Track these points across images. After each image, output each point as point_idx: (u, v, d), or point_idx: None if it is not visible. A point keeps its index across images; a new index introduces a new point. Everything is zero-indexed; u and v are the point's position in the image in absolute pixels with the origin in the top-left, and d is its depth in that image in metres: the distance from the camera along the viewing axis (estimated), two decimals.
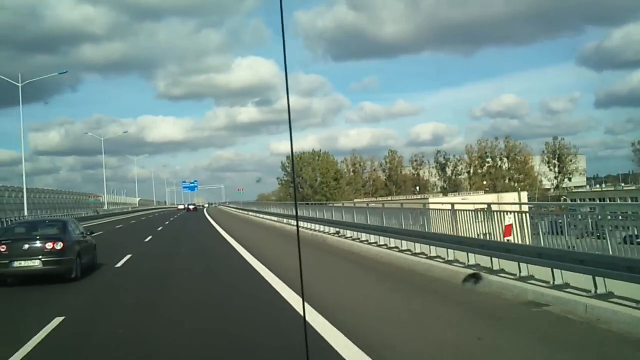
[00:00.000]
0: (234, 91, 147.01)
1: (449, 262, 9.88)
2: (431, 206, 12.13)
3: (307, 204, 29.23)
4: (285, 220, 26.43)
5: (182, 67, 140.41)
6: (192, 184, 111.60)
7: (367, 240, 14.47)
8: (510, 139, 79.44)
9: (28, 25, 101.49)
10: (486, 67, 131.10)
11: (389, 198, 64.52)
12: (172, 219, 43.42)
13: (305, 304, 2.80)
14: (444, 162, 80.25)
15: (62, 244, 9.92)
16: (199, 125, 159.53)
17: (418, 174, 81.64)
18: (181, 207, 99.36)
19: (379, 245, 13.34)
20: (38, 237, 10.11)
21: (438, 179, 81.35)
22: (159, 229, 28.70)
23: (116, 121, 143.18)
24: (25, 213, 33.62)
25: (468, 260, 9.26)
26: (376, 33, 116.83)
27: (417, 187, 78.11)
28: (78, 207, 51.80)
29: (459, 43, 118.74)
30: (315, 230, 19.36)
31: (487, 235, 9.51)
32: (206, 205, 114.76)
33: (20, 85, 35.02)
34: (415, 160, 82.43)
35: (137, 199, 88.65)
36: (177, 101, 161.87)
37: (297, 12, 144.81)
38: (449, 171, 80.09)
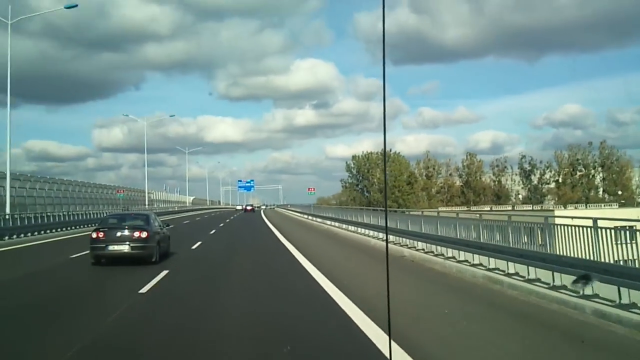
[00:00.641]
0: (293, 93, 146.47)
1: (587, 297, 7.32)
2: (557, 220, 9.49)
3: (395, 211, 25.54)
4: (360, 231, 22.28)
5: (242, 68, 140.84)
6: (248, 184, 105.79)
7: (453, 258, 12.31)
8: (607, 145, 71.54)
9: (96, 24, 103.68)
10: (550, 75, 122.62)
11: (472, 208, 59.97)
12: (221, 224, 34.51)
13: None
14: (529, 168, 73.81)
15: (146, 233, 12.39)
16: (257, 127, 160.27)
17: (499, 182, 75.59)
18: (239, 207, 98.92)
19: (474, 266, 11.12)
20: (127, 227, 12.51)
21: (522, 188, 74.97)
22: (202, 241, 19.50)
23: (176, 120, 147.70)
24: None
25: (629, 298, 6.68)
26: (438, 37, 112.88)
27: (499, 196, 72.43)
28: (131, 204, 50.92)
29: (523, 49, 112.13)
30: (400, 245, 16.24)
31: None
32: (263, 206, 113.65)
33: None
34: (497, 166, 76.18)
35: (191, 198, 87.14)
36: (237, 102, 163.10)
37: (357, 14, 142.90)
38: (535, 179, 73.48)
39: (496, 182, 75.57)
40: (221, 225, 33.03)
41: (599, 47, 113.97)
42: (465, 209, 56.43)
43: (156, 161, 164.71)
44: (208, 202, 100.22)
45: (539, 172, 73.38)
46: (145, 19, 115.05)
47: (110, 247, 12.20)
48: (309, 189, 35.68)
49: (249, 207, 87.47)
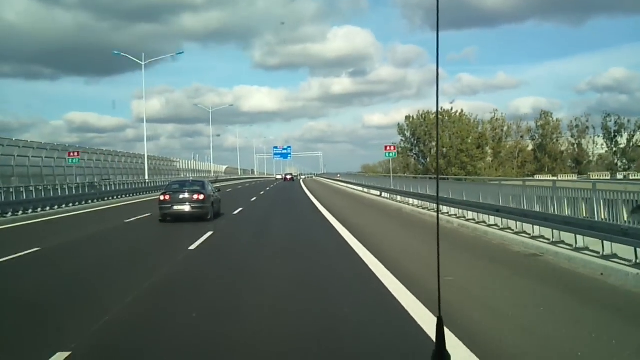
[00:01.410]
0: (329, 61, 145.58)
1: None
2: None
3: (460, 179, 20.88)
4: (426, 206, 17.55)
5: (278, 36, 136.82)
6: (285, 151, 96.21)
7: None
8: None
9: None
10: (595, 38, 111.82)
11: (549, 176, 51.52)
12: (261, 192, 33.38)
13: None
14: (615, 129, 63.56)
15: (203, 196, 15.58)
16: (293, 96, 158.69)
17: (579, 145, 65.70)
18: (279, 177, 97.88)
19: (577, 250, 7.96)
20: (187, 191, 15.76)
21: (606, 151, 65.03)
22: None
23: (214, 91, 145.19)
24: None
25: None
26: (478, 1, 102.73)
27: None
28: (157, 173, 47.55)
29: (567, 11, 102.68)
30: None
31: None
32: (302, 176, 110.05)
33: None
34: (577, 126, 66.10)
35: (224, 167, 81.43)
36: (273, 71, 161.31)
37: None
38: (622, 141, 63.22)
39: (575, 146, 65.69)
40: (262, 193, 31.87)
41: None
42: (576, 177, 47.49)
43: (194, 131, 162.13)
44: (240, 171, 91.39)
45: (626, 133, 63.30)
46: None
47: (175, 207, 15.37)
48: (386, 147, 25.64)
49: (288, 177, 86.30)
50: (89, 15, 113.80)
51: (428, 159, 64.74)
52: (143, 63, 39.91)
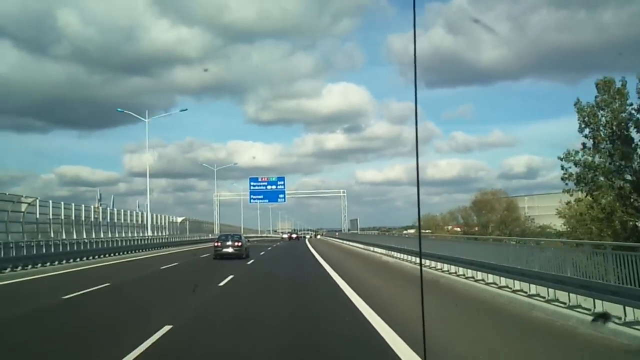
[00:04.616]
0: (324, 117, 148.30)
1: None
2: None
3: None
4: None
5: (272, 91, 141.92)
6: (273, 186, 64.66)
7: None
8: None
9: (124, 48, 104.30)
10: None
11: None
12: None
13: None
14: None
15: (240, 244, 27.48)
16: (287, 152, 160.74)
17: None
18: (285, 236, 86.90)
19: None
20: (231, 240, 27.76)
21: None
22: None
23: (207, 145, 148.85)
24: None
25: None
26: (474, 59, 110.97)
27: None
28: None
29: (562, 71, 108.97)
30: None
31: None
32: (307, 235, 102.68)
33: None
34: None
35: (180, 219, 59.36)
36: (267, 126, 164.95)
37: (391, 36, 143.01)
38: None
39: None
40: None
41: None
42: None
43: (186, 186, 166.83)
44: (241, 229, 74.47)
45: None
46: (174, 42, 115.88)
47: (224, 250, 26.98)
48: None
49: (293, 235, 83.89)
50: (80, 68, 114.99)
51: None
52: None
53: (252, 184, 66.54)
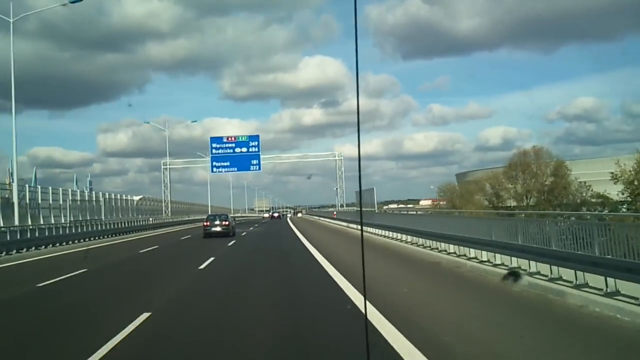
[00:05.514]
0: (301, 92, 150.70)
1: None
2: None
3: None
4: None
5: (248, 65, 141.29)
6: (247, 145, 49.91)
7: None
8: None
9: (96, 22, 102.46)
10: (565, 67, 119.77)
11: None
12: None
13: None
14: None
15: (228, 222, 30.35)
16: (264, 127, 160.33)
17: None
18: (266, 215, 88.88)
19: None
20: (219, 219, 30.73)
21: None
22: None
23: (182, 122, 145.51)
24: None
25: None
26: (450, 29, 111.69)
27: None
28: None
29: (538, 39, 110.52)
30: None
31: None
32: (287, 214, 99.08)
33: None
34: None
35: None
36: (243, 102, 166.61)
37: (368, 7, 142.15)
38: None
39: None
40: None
41: (616, 36, 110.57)
42: None
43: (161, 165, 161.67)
44: (209, 208, 65.37)
45: None
46: (145, 15, 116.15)
47: (212, 229, 29.35)
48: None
49: (275, 215, 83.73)
50: (50, 44, 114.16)
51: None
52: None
53: (214, 146, 50.13)
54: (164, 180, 60.76)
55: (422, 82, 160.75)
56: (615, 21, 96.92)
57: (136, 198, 50.86)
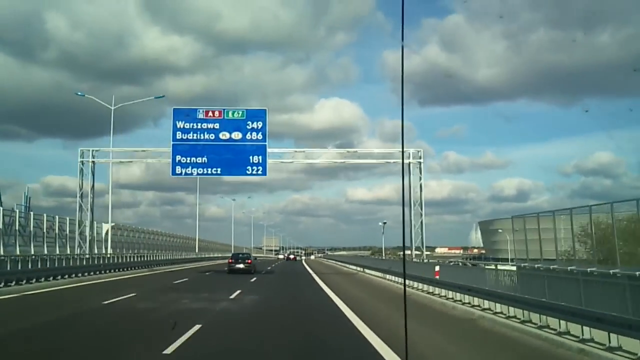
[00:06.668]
0: (316, 133, 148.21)
1: None
2: None
3: None
4: None
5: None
6: (243, 126, 28.74)
7: None
8: None
9: (113, 54, 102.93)
10: (583, 121, 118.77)
11: None
12: None
13: None
14: None
15: (250, 261, 35.36)
16: (277, 167, 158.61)
17: None
18: (281, 257, 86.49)
19: None
20: (242, 257, 36.36)
21: None
22: None
23: None
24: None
25: None
26: (469, 77, 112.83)
27: None
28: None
29: (557, 92, 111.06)
30: None
31: None
32: (304, 256, 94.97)
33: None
34: None
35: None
36: None
37: (385, 52, 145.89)
38: None
39: None
40: None
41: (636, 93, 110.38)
42: None
43: (174, 200, 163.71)
44: (232, 248, 70.92)
45: None
46: (165, 50, 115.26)
47: (236, 266, 33.80)
48: None
49: (291, 256, 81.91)
50: (67, 74, 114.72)
51: None
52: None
53: (179, 125, 29.24)
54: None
55: (438, 129, 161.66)
56: (633, 79, 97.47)
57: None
